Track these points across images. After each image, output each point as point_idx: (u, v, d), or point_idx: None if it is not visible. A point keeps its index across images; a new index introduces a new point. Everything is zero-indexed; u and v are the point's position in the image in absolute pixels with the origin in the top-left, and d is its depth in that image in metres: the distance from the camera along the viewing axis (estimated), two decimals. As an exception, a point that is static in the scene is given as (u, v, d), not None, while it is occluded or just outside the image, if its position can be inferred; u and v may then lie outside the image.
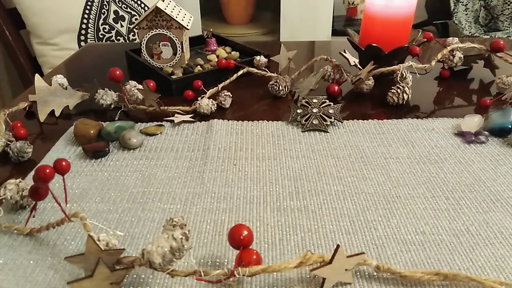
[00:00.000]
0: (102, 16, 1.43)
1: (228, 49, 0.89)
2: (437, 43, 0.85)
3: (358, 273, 0.37)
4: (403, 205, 0.46)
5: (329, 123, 0.61)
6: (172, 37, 0.76)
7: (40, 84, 0.65)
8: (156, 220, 0.44)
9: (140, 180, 0.50)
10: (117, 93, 0.66)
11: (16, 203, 0.44)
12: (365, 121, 0.63)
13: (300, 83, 0.71)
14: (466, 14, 1.88)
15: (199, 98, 0.65)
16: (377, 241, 0.41)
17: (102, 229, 0.42)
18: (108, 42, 1.43)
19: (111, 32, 1.44)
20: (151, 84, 0.65)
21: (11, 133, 0.56)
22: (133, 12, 1.50)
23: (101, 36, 1.43)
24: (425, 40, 0.79)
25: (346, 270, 0.35)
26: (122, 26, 1.47)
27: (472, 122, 0.59)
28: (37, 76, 0.65)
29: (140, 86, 0.65)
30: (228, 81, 0.72)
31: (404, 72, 0.67)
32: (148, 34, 0.76)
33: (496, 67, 0.76)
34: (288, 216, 0.44)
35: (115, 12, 1.46)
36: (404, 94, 0.66)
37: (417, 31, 0.79)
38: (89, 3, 1.41)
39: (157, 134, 0.59)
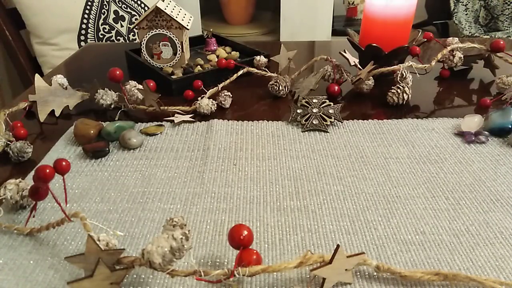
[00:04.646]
0: (102, 16, 1.43)
1: (228, 49, 0.89)
2: (437, 43, 0.85)
3: (358, 273, 0.37)
4: (403, 205, 0.46)
5: (329, 123, 0.61)
6: (172, 37, 0.76)
7: (40, 84, 0.65)
8: (156, 220, 0.44)
9: (140, 180, 0.50)
10: (117, 93, 0.66)
11: (16, 203, 0.44)
12: (365, 121, 0.63)
13: (300, 83, 0.71)
14: (466, 14, 1.88)
15: (199, 98, 0.65)
16: (377, 241, 0.41)
17: (102, 229, 0.42)
18: (108, 42, 1.43)
19: (111, 32, 1.44)
20: (151, 84, 0.65)
21: (11, 133, 0.56)
22: (133, 12, 1.50)
23: (101, 36, 1.43)
24: (425, 40, 0.79)
25: (346, 270, 0.35)
26: (122, 26, 1.47)
27: (472, 122, 0.59)
28: (37, 76, 0.65)
29: (140, 86, 0.65)
30: (228, 81, 0.72)
31: (404, 72, 0.67)
32: (148, 34, 0.76)
33: (496, 67, 0.76)
34: (288, 216, 0.44)
35: (115, 12, 1.46)
36: (404, 94, 0.66)
37: (417, 31, 0.79)
38: (89, 3, 1.41)
39: (157, 134, 0.59)
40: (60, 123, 0.63)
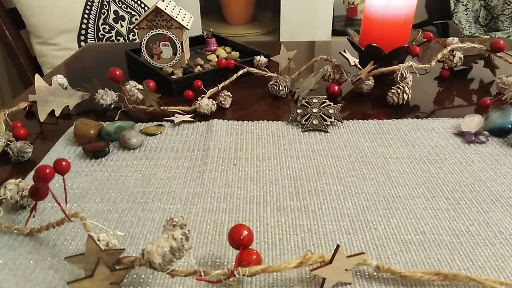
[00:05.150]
0: (102, 16, 1.43)
1: (228, 49, 0.89)
2: (437, 43, 0.85)
3: (358, 273, 0.37)
4: (403, 205, 0.46)
5: (329, 123, 0.61)
6: (172, 37, 0.76)
7: (40, 84, 0.65)
8: (156, 220, 0.44)
9: (140, 180, 0.50)
10: (117, 93, 0.66)
11: (16, 203, 0.44)
12: (365, 121, 0.63)
13: (300, 83, 0.71)
14: (466, 14, 1.88)
15: (199, 98, 0.65)
16: (377, 241, 0.41)
17: (102, 229, 0.42)
18: (108, 42, 1.43)
19: (111, 32, 1.44)
20: (151, 84, 0.65)
21: (11, 133, 0.56)
22: (133, 12, 1.50)
23: (101, 36, 1.43)
24: (425, 40, 0.79)
25: (346, 270, 0.35)
26: (122, 26, 1.47)
27: (472, 122, 0.59)
28: (37, 76, 0.65)
29: (140, 86, 0.65)
30: (228, 81, 0.72)
31: (404, 72, 0.67)
32: (148, 34, 0.76)
33: (496, 67, 0.76)
34: (288, 216, 0.44)
35: (115, 12, 1.46)
36: (404, 94, 0.66)
37: (417, 31, 0.79)
38: (89, 3, 1.41)
39: (157, 134, 0.59)
40: (60, 123, 0.63)
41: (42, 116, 0.63)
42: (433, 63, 0.71)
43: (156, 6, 0.73)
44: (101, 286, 0.33)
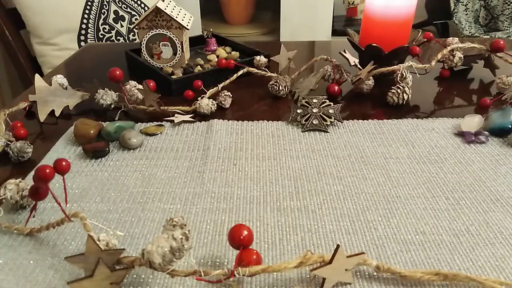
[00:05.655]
0: (102, 16, 1.43)
1: (228, 49, 0.89)
2: (437, 43, 0.85)
3: (358, 273, 0.37)
4: (403, 205, 0.46)
5: (329, 123, 0.61)
6: (172, 37, 0.76)
7: (40, 84, 0.65)
8: (156, 220, 0.44)
9: (140, 180, 0.50)
10: (117, 93, 0.66)
11: (16, 203, 0.44)
12: (365, 121, 0.63)
13: (300, 83, 0.71)
14: (466, 14, 1.88)
15: (199, 98, 0.65)
16: (377, 241, 0.41)
17: (102, 229, 0.42)
18: (108, 42, 1.43)
19: (111, 32, 1.44)
20: (151, 84, 0.65)
21: (11, 133, 0.56)
22: (133, 12, 1.50)
23: (101, 36, 1.43)
24: (425, 40, 0.79)
25: (346, 270, 0.35)
26: (122, 26, 1.47)
27: (472, 122, 0.59)
28: (37, 76, 0.65)
29: (140, 86, 0.65)
30: (228, 81, 0.72)
31: (404, 72, 0.67)
32: (148, 34, 0.76)
33: (496, 67, 0.76)
34: (288, 216, 0.44)
35: (115, 12, 1.46)
36: (404, 94, 0.66)
37: (417, 31, 0.79)
38: (89, 3, 1.41)
39: (157, 134, 0.59)
40: (60, 123, 0.63)
41: (42, 116, 0.63)
42: (433, 63, 0.71)
43: (156, 6, 0.73)
44: (101, 286, 0.33)
